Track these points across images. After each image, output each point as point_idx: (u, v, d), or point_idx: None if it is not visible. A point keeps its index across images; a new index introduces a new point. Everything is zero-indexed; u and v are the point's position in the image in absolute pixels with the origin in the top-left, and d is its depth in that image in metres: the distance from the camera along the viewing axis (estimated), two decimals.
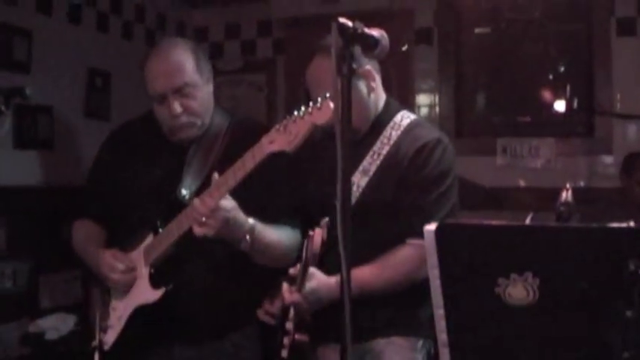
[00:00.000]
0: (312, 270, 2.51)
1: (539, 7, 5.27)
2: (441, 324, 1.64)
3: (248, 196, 2.56)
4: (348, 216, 1.86)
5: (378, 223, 2.60)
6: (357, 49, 1.98)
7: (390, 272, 2.56)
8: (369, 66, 2.66)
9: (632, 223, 1.60)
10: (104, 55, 4.77)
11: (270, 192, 2.71)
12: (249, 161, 2.39)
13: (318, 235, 2.50)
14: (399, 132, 2.68)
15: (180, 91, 2.66)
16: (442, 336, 1.64)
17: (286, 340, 2.57)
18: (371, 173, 2.63)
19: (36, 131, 4.17)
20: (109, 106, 4.81)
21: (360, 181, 2.62)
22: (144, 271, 2.68)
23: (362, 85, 2.65)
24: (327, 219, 2.49)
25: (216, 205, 2.41)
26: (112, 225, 2.89)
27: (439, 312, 1.63)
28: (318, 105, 2.20)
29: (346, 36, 1.90)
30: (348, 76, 1.85)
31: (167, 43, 2.82)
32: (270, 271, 2.74)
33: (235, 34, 5.92)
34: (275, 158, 2.56)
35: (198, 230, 2.46)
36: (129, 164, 2.85)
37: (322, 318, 2.48)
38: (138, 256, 2.70)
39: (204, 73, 2.74)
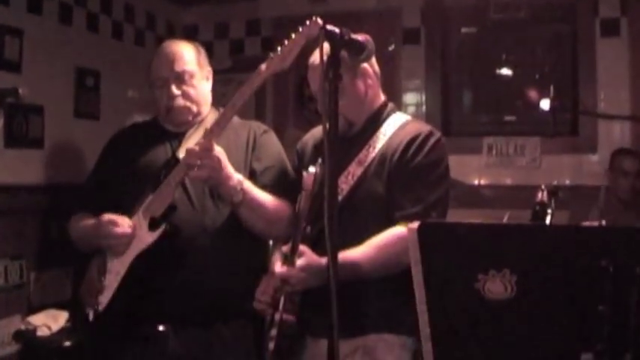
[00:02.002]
0: (303, 248, 2.54)
1: (525, 8, 5.31)
2: (424, 318, 1.69)
3: (243, 161, 2.84)
4: (336, 215, 1.92)
5: (371, 212, 2.66)
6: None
7: (379, 253, 2.57)
8: (366, 65, 2.73)
9: (603, 222, 1.67)
10: (94, 55, 4.80)
11: (264, 164, 2.90)
12: (247, 89, 2.59)
13: (310, 176, 2.55)
14: (394, 128, 2.76)
15: (180, 77, 2.88)
16: (425, 330, 1.70)
17: (274, 332, 2.62)
18: (366, 164, 2.70)
19: (27, 130, 4.20)
20: (99, 105, 4.83)
21: (355, 170, 2.69)
22: (143, 224, 2.74)
23: (359, 82, 2.75)
24: (320, 160, 2.57)
25: (210, 144, 2.56)
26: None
27: (422, 307, 1.69)
28: (307, 23, 2.34)
29: (334, 42, 1.97)
30: (335, 80, 1.91)
31: (173, 40, 3.07)
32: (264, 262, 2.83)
33: (224, 33, 5.97)
34: (274, 141, 2.98)
35: (193, 174, 2.60)
36: (129, 157, 2.94)
37: (312, 312, 2.53)
38: (138, 217, 2.76)
39: (203, 69, 2.98)
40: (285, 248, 2.59)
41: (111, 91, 4.91)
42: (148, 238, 2.71)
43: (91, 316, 2.78)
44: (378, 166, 2.69)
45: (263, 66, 2.54)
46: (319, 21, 2.28)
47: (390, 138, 2.73)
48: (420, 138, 2.68)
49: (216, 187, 2.70)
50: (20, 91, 2.92)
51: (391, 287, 2.62)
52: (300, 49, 2.45)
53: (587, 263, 1.56)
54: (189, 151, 2.59)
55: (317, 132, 3.02)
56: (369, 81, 2.78)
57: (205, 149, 2.56)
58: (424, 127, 2.76)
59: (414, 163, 2.65)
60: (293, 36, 2.44)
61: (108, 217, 2.76)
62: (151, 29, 5.51)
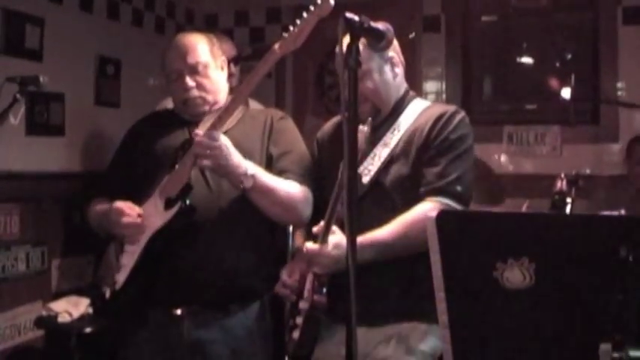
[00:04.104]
0: (335, 228, 2.56)
1: None
2: (442, 306, 1.69)
3: (259, 146, 2.87)
4: (355, 203, 1.92)
5: (399, 193, 2.68)
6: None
7: (407, 229, 2.57)
8: (393, 53, 2.78)
9: (623, 212, 1.66)
10: (115, 43, 4.82)
11: (281, 149, 2.90)
12: (261, 68, 2.63)
13: (361, 134, 2.51)
14: (419, 111, 2.80)
15: (194, 69, 2.89)
16: (443, 317, 1.70)
17: (299, 320, 2.63)
18: (392, 145, 2.72)
19: (48, 118, 4.22)
20: (119, 93, 4.87)
21: (381, 152, 2.72)
22: (159, 204, 2.77)
23: (387, 69, 2.79)
24: (370, 119, 2.64)
25: (216, 135, 2.62)
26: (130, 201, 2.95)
27: (440, 294, 1.69)
28: (319, 2, 2.43)
29: (353, 30, 1.97)
30: (354, 69, 1.92)
31: (185, 32, 3.11)
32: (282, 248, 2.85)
33: (244, 21, 5.96)
34: (292, 127, 2.99)
35: (201, 163, 2.65)
36: (148, 144, 2.97)
37: (341, 298, 2.53)
38: (154, 197, 2.79)
39: (217, 59, 2.98)
40: (317, 229, 2.59)
41: (131, 79, 4.93)
42: (162, 217, 2.74)
43: (107, 294, 2.82)
44: (404, 147, 2.72)
45: (276, 46, 2.58)
46: (331, 0, 2.32)
47: (416, 119, 2.77)
48: (447, 115, 2.71)
49: (226, 176, 2.72)
50: (41, 78, 2.93)
51: (422, 275, 2.62)
52: (312, 29, 2.50)
53: (607, 252, 1.55)
54: (196, 142, 2.63)
55: (337, 120, 3.03)
56: (397, 69, 2.83)
57: (211, 139, 2.60)
58: (449, 107, 2.81)
59: (440, 139, 2.68)
60: (304, 15, 2.48)
61: (118, 205, 2.79)
62: (171, 17, 5.52)
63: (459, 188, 2.62)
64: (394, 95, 2.83)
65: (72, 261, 4.34)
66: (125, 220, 2.75)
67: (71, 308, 4.00)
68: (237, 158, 2.67)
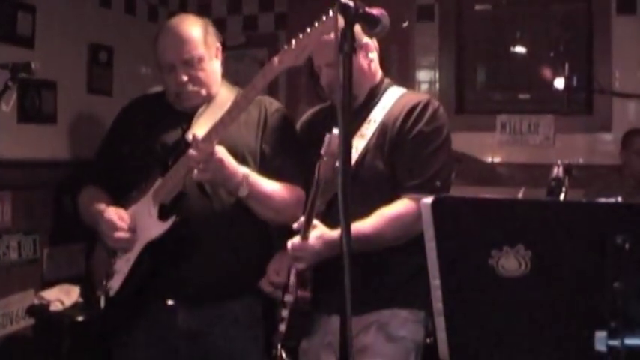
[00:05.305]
0: (316, 222, 2.56)
1: None
2: (437, 293, 1.68)
3: (254, 141, 2.82)
4: (349, 187, 1.91)
5: (375, 184, 2.68)
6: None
7: (388, 224, 2.59)
8: (367, 40, 2.76)
9: (619, 199, 1.65)
10: (107, 31, 4.79)
11: (274, 148, 2.86)
12: (259, 81, 2.58)
13: (335, 137, 2.45)
14: (393, 100, 2.79)
15: (188, 63, 2.81)
16: (438, 305, 1.69)
17: (285, 313, 2.63)
18: (368, 137, 2.72)
19: (40, 106, 4.20)
20: (112, 81, 4.84)
21: (358, 144, 2.70)
22: (152, 211, 2.74)
23: (362, 56, 2.75)
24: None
25: (211, 149, 2.55)
26: (121, 191, 2.92)
27: (435, 282, 1.68)
28: (324, 19, 2.36)
29: (348, 15, 1.96)
30: (349, 53, 1.90)
31: (179, 18, 2.95)
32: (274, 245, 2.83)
33: (237, 9, 5.92)
34: (286, 122, 2.92)
35: (196, 176, 2.60)
36: (139, 132, 2.92)
37: (324, 288, 2.54)
38: (147, 201, 2.77)
39: (211, 48, 2.89)
40: (297, 224, 2.59)
41: (124, 67, 4.91)
42: (158, 228, 2.71)
43: (102, 302, 2.80)
44: (379, 138, 2.71)
45: (276, 59, 2.53)
46: (340, 18, 2.28)
47: (390, 109, 2.76)
48: (420, 106, 2.70)
49: (222, 185, 2.70)
50: (33, 65, 2.92)
51: (400, 262, 2.63)
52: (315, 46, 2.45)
53: (603, 239, 1.55)
54: (190, 156, 2.58)
55: (315, 111, 3.06)
56: (371, 55, 2.82)
57: (206, 154, 2.55)
58: (422, 96, 2.81)
59: (414, 132, 2.67)
60: (308, 30, 2.42)
61: (108, 215, 2.75)
62: (164, 5, 5.49)
63: (437, 183, 2.62)
64: (369, 82, 2.83)
65: (64, 249, 4.32)
66: (117, 235, 2.73)
67: (63, 296, 3.99)
68: (232, 168, 2.63)
